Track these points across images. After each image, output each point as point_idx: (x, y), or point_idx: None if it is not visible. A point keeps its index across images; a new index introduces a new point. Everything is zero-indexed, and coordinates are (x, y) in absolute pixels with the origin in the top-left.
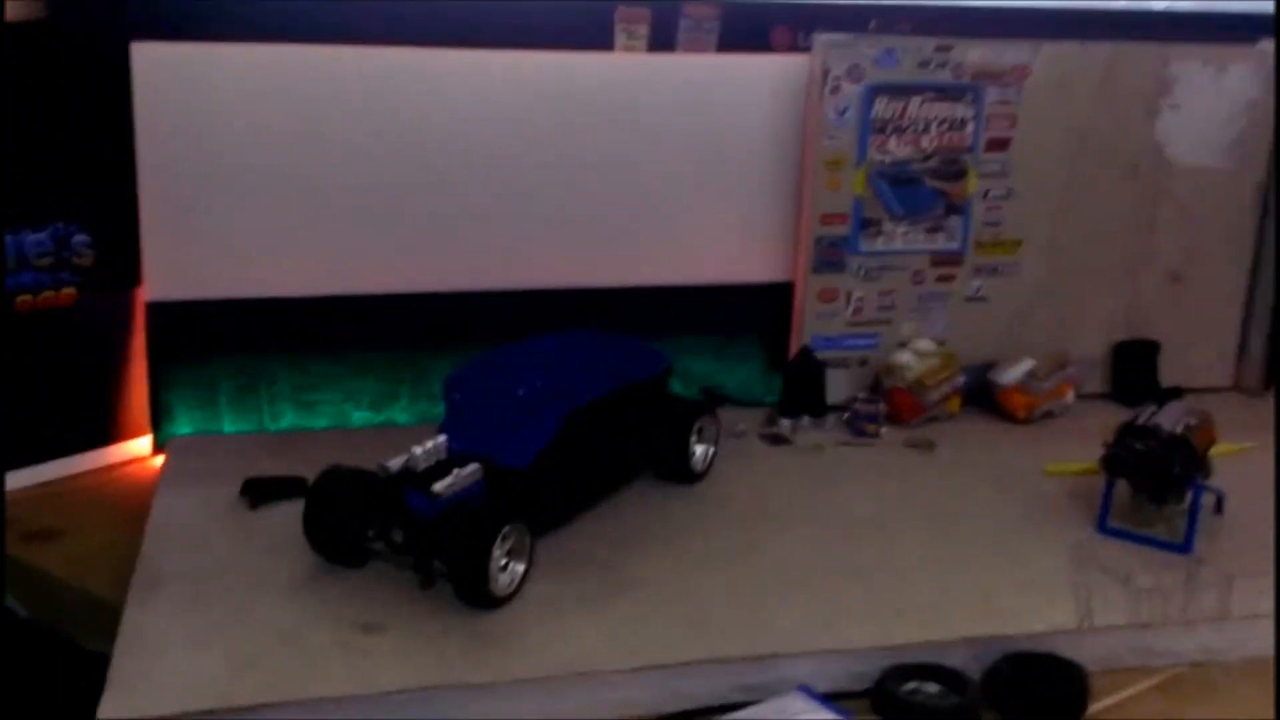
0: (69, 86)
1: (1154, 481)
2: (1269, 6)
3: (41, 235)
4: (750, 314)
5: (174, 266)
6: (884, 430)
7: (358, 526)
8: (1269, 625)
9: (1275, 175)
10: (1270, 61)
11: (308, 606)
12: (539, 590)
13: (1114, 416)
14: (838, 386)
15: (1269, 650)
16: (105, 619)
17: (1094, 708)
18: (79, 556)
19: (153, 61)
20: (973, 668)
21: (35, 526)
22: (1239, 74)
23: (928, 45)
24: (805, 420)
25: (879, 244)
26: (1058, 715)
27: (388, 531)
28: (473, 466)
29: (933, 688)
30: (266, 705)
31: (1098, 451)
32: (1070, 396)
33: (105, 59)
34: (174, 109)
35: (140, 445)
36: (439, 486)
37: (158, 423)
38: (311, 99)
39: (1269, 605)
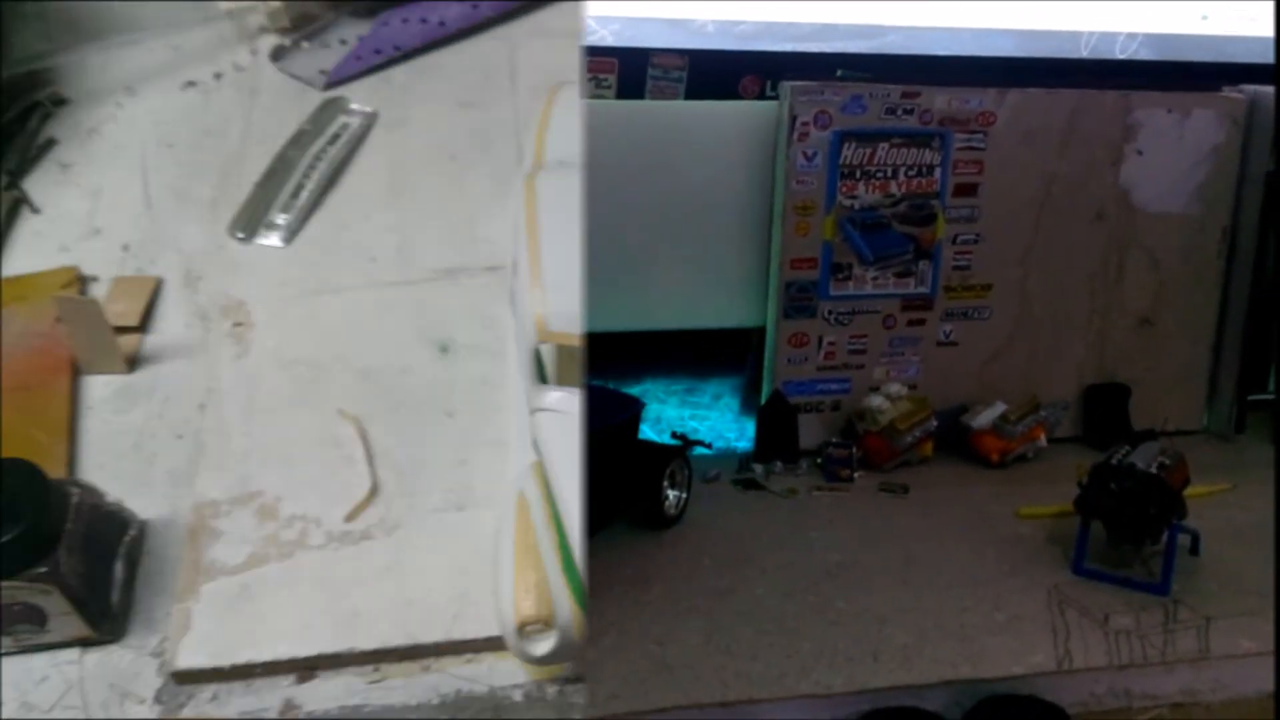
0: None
1: (1130, 522)
2: (1231, 55)
3: None
4: (721, 359)
5: None
6: (857, 475)
7: None
8: (1248, 665)
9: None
10: (1232, 108)
11: None
12: None
13: (1086, 459)
14: (810, 431)
15: (1248, 690)
16: None
17: None
18: None
19: None
20: (952, 711)
21: None
22: (1203, 120)
23: (894, 92)
24: (778, 465)
25: (849, 289)
26: None
27: None
28: None
29: None
30: None
31: (1071, 494)
32: (1042, 439)
33: None
34: None
35: None
36: None
37: None
38: None
39: (1248, 645)
